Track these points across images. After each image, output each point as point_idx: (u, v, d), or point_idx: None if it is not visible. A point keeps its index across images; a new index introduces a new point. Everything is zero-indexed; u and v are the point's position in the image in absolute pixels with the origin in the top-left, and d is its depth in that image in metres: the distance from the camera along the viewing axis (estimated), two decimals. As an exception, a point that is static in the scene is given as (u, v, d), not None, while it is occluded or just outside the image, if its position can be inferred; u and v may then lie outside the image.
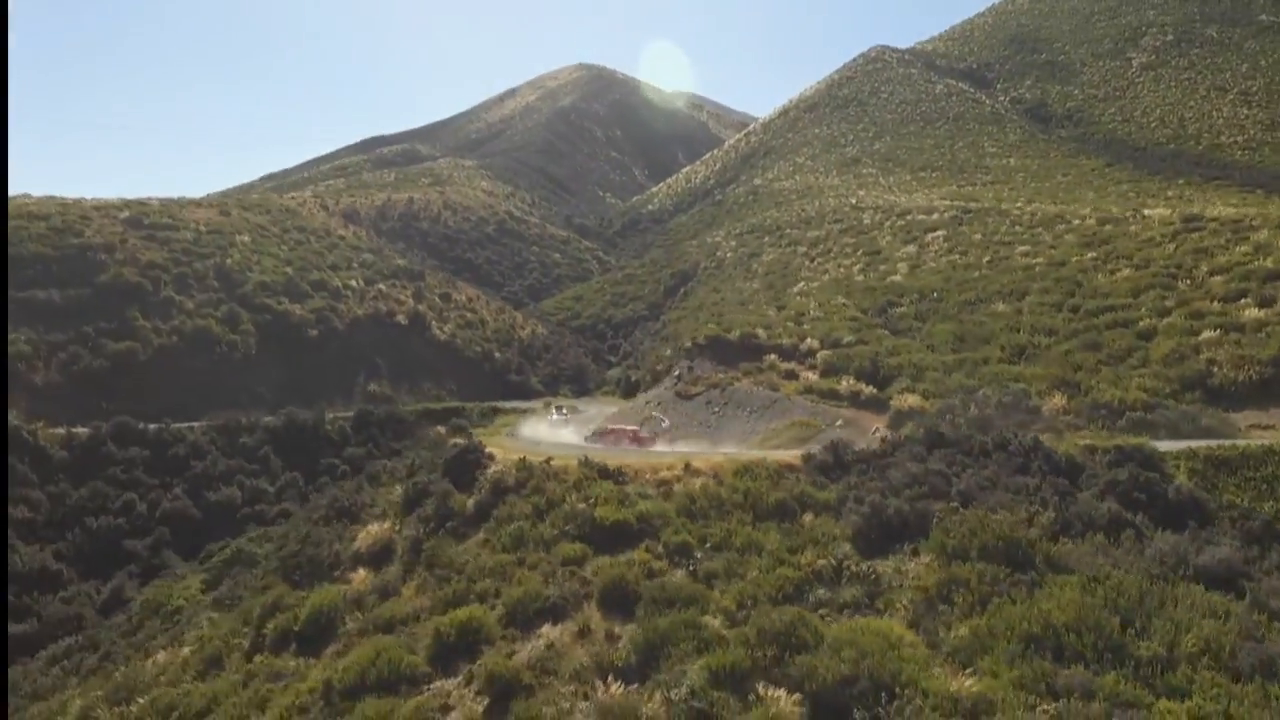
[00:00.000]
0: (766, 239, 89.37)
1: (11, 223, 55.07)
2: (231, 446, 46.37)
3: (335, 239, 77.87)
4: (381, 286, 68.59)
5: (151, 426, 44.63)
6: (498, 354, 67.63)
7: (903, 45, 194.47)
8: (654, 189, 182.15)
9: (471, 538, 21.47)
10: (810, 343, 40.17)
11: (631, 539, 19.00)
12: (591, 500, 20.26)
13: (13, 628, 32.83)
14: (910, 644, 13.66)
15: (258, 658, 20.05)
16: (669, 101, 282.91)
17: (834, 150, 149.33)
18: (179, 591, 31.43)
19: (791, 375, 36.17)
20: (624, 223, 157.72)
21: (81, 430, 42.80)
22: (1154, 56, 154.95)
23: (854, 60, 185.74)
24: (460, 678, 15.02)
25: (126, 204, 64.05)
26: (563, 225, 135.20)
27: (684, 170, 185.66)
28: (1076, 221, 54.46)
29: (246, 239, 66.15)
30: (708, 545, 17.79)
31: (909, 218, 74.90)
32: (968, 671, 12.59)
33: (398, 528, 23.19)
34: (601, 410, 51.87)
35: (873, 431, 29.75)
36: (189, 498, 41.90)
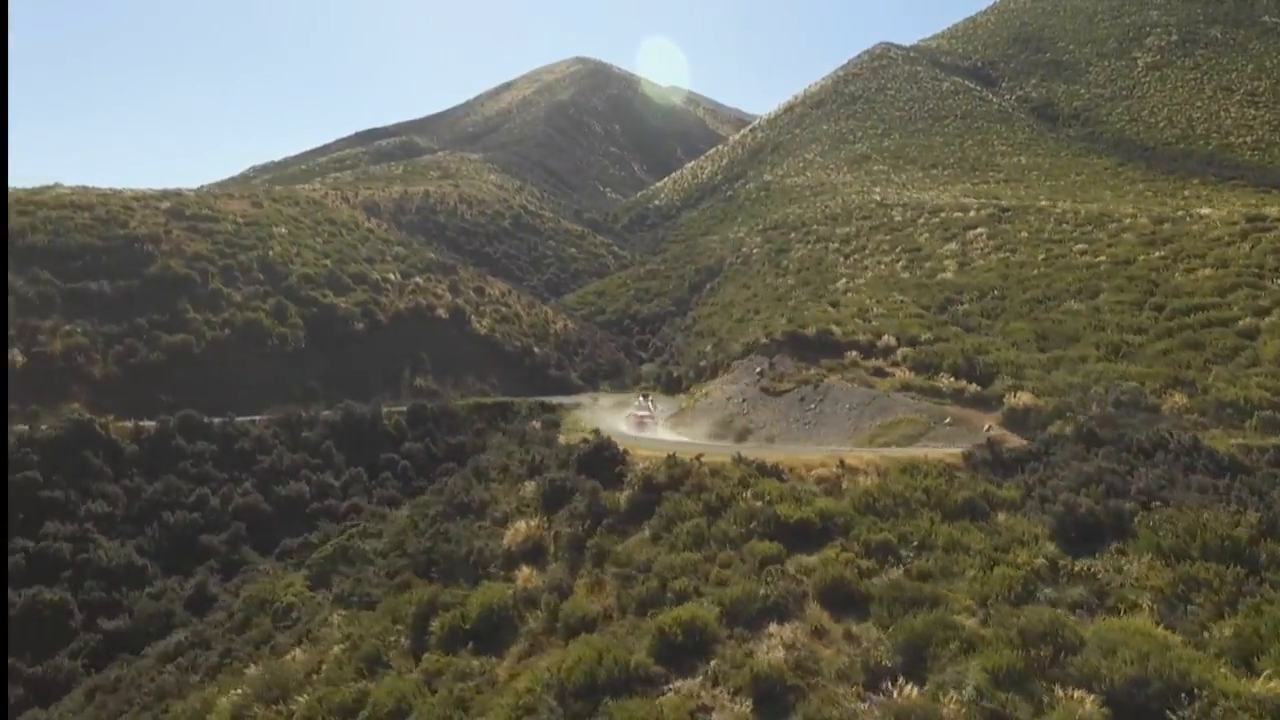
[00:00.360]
0: (793, 235, 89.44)
1: (55, 213, 54.15)
2: (294, 441, 45.87)
3: (365, 231, 77.22)
4: (418, 280, 68.07)
5: (216, 420, 44.05)
6: (536, 349, 67.32)
7: (899, 43, 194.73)
8: (658, 184, 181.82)
9: (633, 536, 21.27)
10: (887, 339, 40.16)
11: (817, 537, 18.89)
12: (766, 498, 20.12)
13: (107, 624, 32.30)
14: (1178, 645, 13.63)
15: (428, 656, 19.73)
16: (665, 97, 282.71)
17: (843, 147, 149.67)
18: (282, 589, 30.99)
19: (880, 373, 36.15)
20: (631, 217, 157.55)
21: (149, 424, 42.19)
22: (1159, 56, 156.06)
23: (859, 57, 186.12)
24: (700, 678, 14.85)
25: (165, 194, 63.17)
26: (571, 219, 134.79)
27: (688, 166, 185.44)
28: (1128, 220, 54.76)
29: (283, 231, 65.45)
30: (912, 544, 17.69)
31: (942, 215, 75.10)
32: (1265, 674, 12.56)
33: (546, 525, 22.94)
34: (663, 407, 51.67)
35: (985, 429, 29.77)
36: (259, 493, 41.42)
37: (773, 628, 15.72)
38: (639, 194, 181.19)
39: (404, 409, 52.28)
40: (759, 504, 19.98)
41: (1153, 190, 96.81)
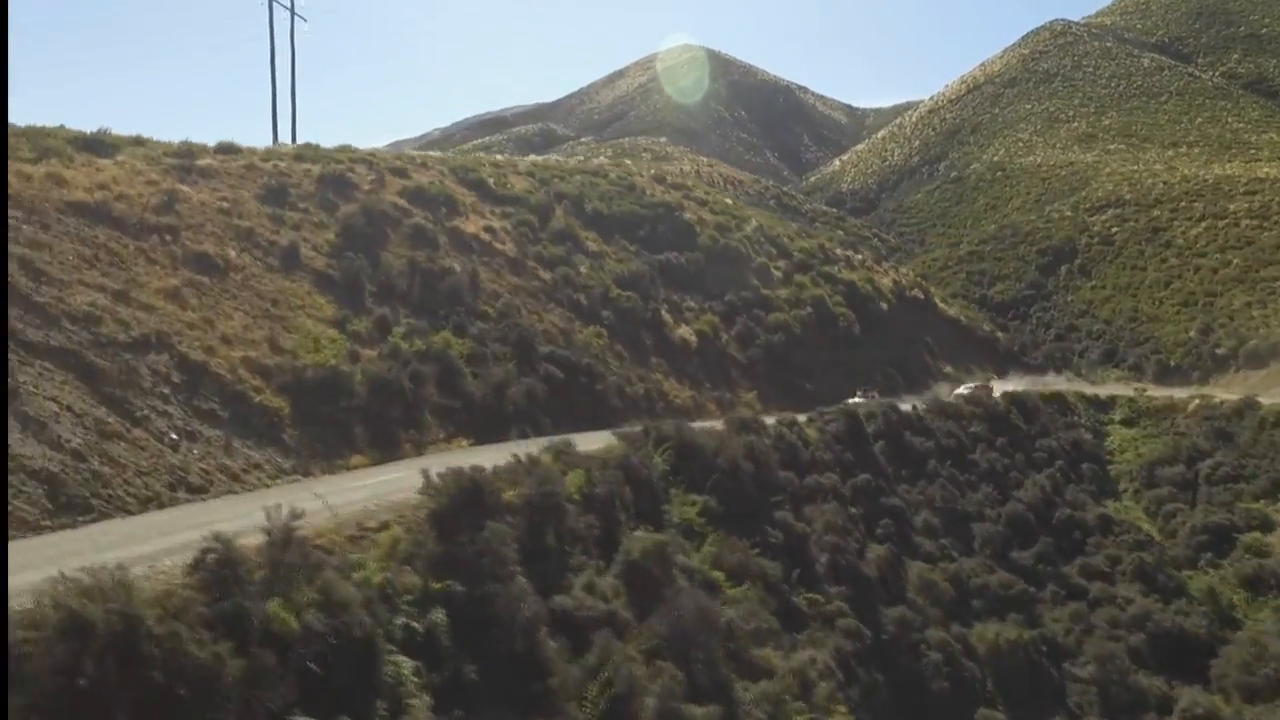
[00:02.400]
0: (1156, 214, 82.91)
1: (577, 178, 47.75)
2: (964, 432, 39.40)
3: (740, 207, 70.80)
4: (860, 256, 61.60)
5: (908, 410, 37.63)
6: (1000, 334, 60.74)
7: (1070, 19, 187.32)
8: (831, 167, 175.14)
9: None
10: None
11: None
12: None
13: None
14: None
15: None
16: (776, 83, 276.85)
17: (1059, 125, 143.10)
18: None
19: None
20: (825, 200, 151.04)
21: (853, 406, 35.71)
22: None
23: (1037, 33, 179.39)
24: None
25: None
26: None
27: (858, 148, 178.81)
28: None
29: (729, 201, 59.07)
30: None
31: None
32: None
33: None
34: None
35: None
36: (1013, 500, 35.00)
37: None
38: (814, 177, 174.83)
39: (998, 399, 45.92)
40: None
41: None
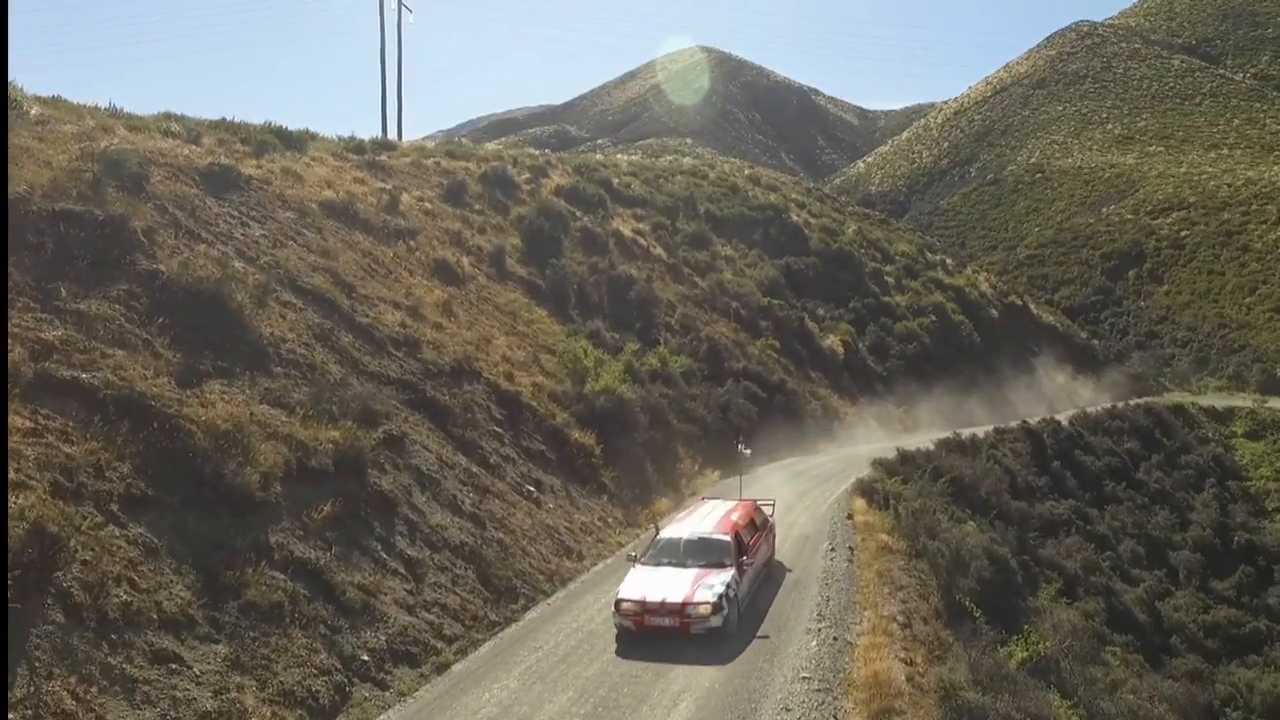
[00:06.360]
0: (1226, 217, 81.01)
1: (679, 178, 45.31)
2: (1113, 444, 37.15)
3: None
4: (949, 261, 59.34)
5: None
6: (1095, 341, 58.56)
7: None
8: (856, 169, 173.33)
9: None
10: None
11: None
12: None
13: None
14: None
15: None
16: (789, 85, 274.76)
17: (1094, 127, 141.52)
18: None
19: None
20: (855, 202, 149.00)
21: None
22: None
23: (1063, 34, 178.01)
24: None
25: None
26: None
27: (884, 150, 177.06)
28: None
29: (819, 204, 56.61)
30: None
31: None
32: None
33: None
34: None
35: None
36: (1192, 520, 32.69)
37: None
38: (837, 179, 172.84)
39: (1140, 404, 43.83)
40: None
41: None
